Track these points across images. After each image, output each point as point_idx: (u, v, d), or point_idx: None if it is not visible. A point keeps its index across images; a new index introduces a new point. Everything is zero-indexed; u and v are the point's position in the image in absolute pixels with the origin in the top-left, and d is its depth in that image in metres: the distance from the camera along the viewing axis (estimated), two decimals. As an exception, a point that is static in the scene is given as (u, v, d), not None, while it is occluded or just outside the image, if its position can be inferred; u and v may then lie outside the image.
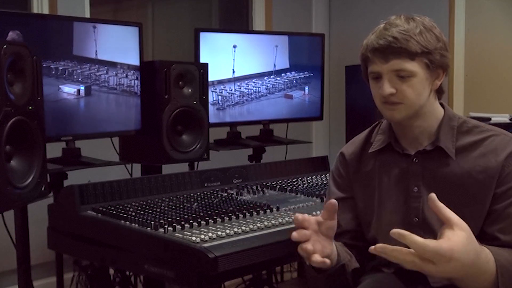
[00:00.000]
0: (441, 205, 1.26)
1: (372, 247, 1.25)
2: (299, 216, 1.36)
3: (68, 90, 2.25)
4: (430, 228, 1.50)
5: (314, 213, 1.92)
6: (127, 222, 1.80)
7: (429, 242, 1.21)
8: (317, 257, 1.33)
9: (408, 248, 1.23)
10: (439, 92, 1.55)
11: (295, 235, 1.34)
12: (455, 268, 1.23)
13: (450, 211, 1.26)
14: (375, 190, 1.59)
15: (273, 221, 1.80)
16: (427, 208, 1.50)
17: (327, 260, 1.34)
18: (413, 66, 1.44)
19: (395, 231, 1.22)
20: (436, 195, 1.50)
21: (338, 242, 1.56)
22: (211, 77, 2.69)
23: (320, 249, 1.36)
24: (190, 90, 2.51)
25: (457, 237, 1.23)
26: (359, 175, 1.63)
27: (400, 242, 1.53)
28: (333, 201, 1.36)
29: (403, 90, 1.46)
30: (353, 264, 1.53)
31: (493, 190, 1.46)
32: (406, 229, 1.51)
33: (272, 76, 3.09)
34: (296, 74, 3.18)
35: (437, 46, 1.46)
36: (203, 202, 2.03)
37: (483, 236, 1.47)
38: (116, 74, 2.41)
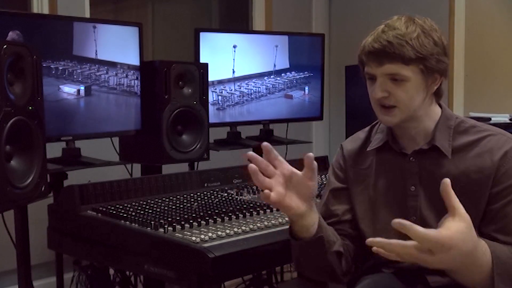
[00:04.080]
0: (451, 192, 1.26)
1: (371, 241, 1.24)
2: (266, 144, 1.29)
3: (68, 90, 2.25)
4: (427, 227, 1.50)
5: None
6: (127, 222, 1.80)
7: (430, 231, 1.21)
8: (267, 192, 1.28)
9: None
10: (437, 95, 1.54)
11: (251, 153, 1.28)
12: (453, 257, 1.24)
13: (458, 200, 1.26)
14: (370, 188, 1.60)
15: (273, 221, 1.80)
16: (424, 207, 1.51)
17: (273, 196, 1.27)
18: (407, 71, 1.43)
19: (397, 221, 1.20)
20: (433, 194, 1.50)
21: (330, 227, 1.55)
22: (211, 77, 2.69)
23: (281, 192, 1.31)
24: (190, 90, 2.51)
25: (457, 226, 1.24)
26: (355, 171, 1.64)
27: (397, 236, 1.54)
28: (310, 154, 1.31)
29: (396, 94, 1.46)
30: (337, 247, 1.51)
31: (489, 190, 1.46)
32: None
33: (272, 76, 3.08)
34: (296, 74, 3.18)
35: (434, 51, 1.45)
36: (203, 202, 2.03)
37: (480, 237, 1.47)
38: (116, 74, 2.41)
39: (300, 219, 1.40)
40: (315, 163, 1.31)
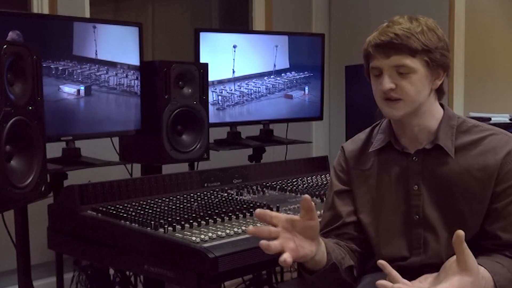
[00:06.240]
0: (465, 245, 1.26)
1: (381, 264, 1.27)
2: (258, 211, 1.26)
3: (68, 90, 2.25)
4: (430, 225, 1.51)
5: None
6: (127, 222, 1.80)
7: None
8: (284, 256, 1.22)
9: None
10: (439, 92, 1.56)
11: (251, 228, 1.24)
12: None
13: (471, 255, 1.28)
14: (373, 189, 1.60)
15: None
16: (427, 206, 1.52)
17: (289, 259, 1.22)
18: (413, 62, 1.45)
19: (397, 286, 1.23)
20: (436, 193, 1.51)
21: (333, 240, 1.56)
22: (211, 77, 2.69)
23: (293, 248, 1.27)
24: (190, 90, 2.51)
25: (462, 284, 1.26)
26: (357, 173, 1.64)
27: (400, 240, 1.54)
28: (307, 196, 1.27)
29: (402, 86, 1.47)
30: (347, 262, 1.52)
31: (492, 188, 1.47)
32: (407, 227, 1.54)
33: (272, 76, 3.08)
34: (296, 74, 3.18)
35: (438, 45, 1.47)
36: (203, 202, 2.03)
37: (484, 235, 1.48)
38: (116, 74, 2.41)
39: (312, 258, 1.38)
40: (312, 203, 1.26)
